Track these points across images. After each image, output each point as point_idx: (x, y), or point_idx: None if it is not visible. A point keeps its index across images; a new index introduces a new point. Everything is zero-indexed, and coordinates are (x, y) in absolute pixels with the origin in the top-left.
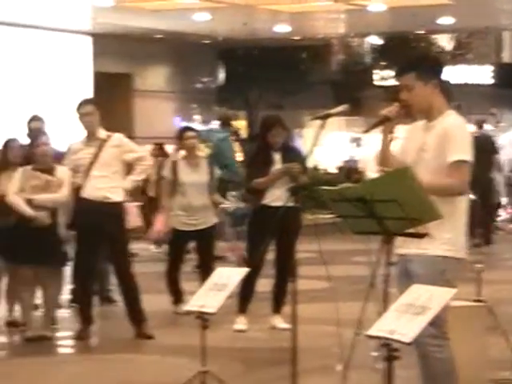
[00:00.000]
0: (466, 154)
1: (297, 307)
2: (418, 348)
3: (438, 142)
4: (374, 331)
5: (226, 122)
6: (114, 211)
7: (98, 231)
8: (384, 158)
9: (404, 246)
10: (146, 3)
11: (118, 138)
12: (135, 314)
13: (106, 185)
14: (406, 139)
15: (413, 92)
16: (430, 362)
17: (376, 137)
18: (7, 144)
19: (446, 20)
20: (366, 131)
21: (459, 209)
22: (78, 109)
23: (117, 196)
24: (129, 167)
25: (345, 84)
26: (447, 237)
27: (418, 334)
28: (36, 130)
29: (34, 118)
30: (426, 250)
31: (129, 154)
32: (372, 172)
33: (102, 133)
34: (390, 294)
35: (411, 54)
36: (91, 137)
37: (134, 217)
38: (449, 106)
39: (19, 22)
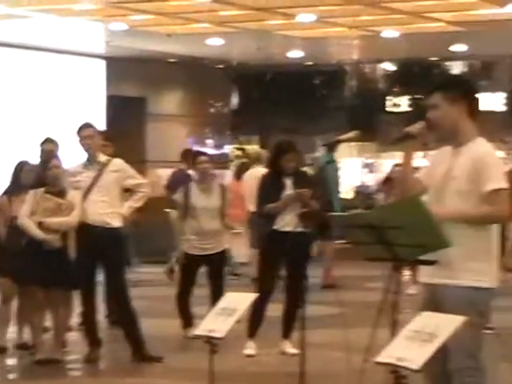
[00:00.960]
0: (502, 181)
1: (306, 332)
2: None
3: (469, 170)
4: (382, 358)
5: (331, 148)
6: (113, 237)
7: (97, 256)
8: (404, 178)
9: (433, 275)
10: (159, 27)
11: (119, 163)
12: (133, 337)
13: (105, 210)
14: (432, 163)
15: (438, 111)
16: None
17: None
18: (19, 166)
19: (459, 47)
20: (389, 145)
21: (491, 238)
22: (79, 132)
23: (116, 222)
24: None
25: (358, 110)
26: (479, 267)
27: (425, 361)
28: (48, 152)
29: (47, 140)
30: (457, 281)
31: (128, 180)
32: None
33: (102, 157)
34: (399, 321)
35: (440, 75)
36: (91, 160)
37: None
38: (478, 132)
39: (34, 45)
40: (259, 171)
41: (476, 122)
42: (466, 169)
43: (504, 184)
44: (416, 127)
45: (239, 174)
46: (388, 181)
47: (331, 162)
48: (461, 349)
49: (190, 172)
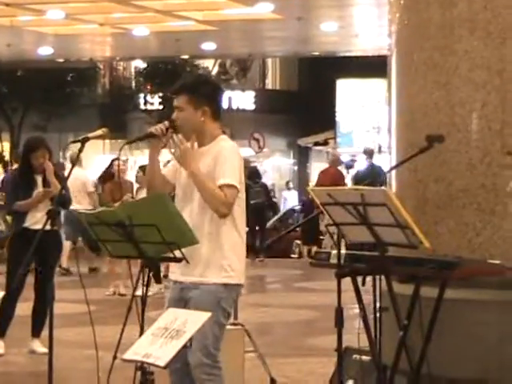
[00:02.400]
0: (234, 178)
1: (56, 331)
2: (182, 375)
3: (208, 168)
4: (129, 355)
5: None
6: None
7: None
8: (151, 178)
9: (182, 273)
10: None
11: None
12: None
13: None
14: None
15: (182, 114)
16: None
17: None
18: None
19: (209, 46)
20: (128, 143)
21: (238, 235)
22: None
23: None
24: None
25: (111, 107)
26: (226, 264)
27: (172, 357)
28: None
29: None
30: (204, 278)
31: None
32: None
33: None
34: (150, 318)
35: (190, 76)
36: None
37: None
38: (221, 131)
39: None
40: None
41: (219, 121)
42: (208, 167)
43: (235, 181)
44: (159, 127)
45: None
46: (108, 176)
47: None
48: (199, 346)
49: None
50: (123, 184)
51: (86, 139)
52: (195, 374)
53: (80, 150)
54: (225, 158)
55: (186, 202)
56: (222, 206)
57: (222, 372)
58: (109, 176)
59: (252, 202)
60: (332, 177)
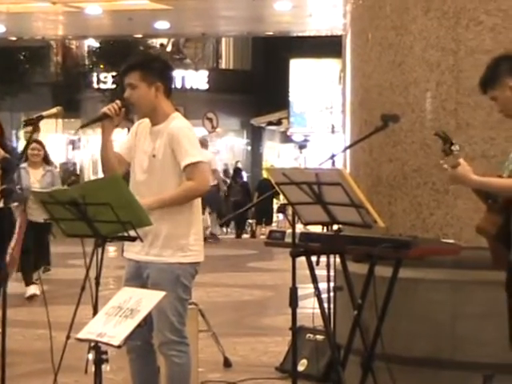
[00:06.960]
0: (197, 154)
1: (9, 310)
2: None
3: (166, 147)
4: (83, 334)
5: None
6: None
7: None
8: (105, 158)
9: (138, 252)
10: None
11: None
12: None
13: None
14: (132, 137)
15: (136, 91)
16: (168, 367)
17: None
18: None
19: (163, 25)
20: (83, 126)
21: (194, 214)
22: None
23: None
24: None
25: (63, 86)
26: (183, 243)
27: (127, 336)
28: None
29: None
30: (161, 258)
31: None
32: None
33: None
34: (104, 297)
35: (140, 53)
36: None
37: None
38: (174, 109)
39: None
40: None
41: (171, 99)
42: (163, 147)
43: (200, 157)
44: (112, 107)
45: None
46: None
47: None
48: (164, 323)
49: None
50: None
51: (41, 118)
52: (162, 351)
53: (34, 129)
54: (182, 138)
55: (143, 181)
56: (196, 191)
57: (189, 348)
58: None
59: (232, 199)
60: None
